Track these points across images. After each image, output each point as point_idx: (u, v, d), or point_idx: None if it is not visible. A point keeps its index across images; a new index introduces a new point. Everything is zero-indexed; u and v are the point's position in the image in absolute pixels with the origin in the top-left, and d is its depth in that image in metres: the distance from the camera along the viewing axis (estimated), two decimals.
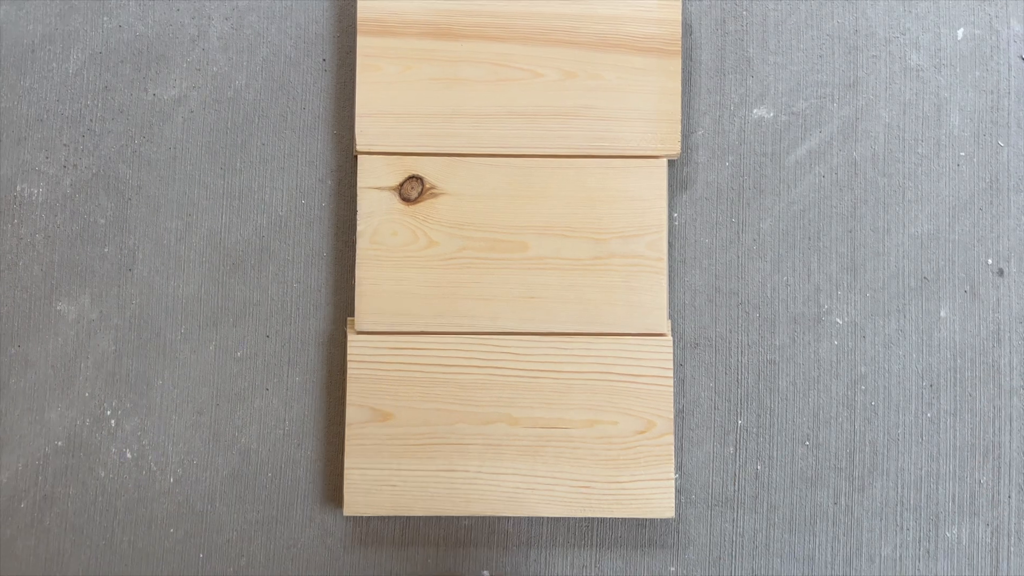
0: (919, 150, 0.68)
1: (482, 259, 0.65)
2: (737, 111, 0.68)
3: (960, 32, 0.68)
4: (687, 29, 0.68)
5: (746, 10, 0.69)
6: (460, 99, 0.65)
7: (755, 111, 0.68)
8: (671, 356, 0.64)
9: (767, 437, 0.66)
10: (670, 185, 0.67)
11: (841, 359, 0.67)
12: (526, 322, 0.64)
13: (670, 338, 0.64)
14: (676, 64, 0.65)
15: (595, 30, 0.66)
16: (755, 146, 0.68)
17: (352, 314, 0.66)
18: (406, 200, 0.65)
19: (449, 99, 0.65)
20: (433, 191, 0.65)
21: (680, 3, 0.66)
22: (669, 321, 0.65)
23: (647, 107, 0.65)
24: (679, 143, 0.65)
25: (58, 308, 0.67)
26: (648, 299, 0.64)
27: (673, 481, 0.63)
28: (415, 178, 0.65)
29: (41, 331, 0.67)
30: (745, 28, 0.69)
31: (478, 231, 0.65)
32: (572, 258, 0.64)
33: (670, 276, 0.67)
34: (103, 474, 0.66)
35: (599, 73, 0.65)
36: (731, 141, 0.68)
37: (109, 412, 0.66)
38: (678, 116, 0.65)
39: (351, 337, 0.64)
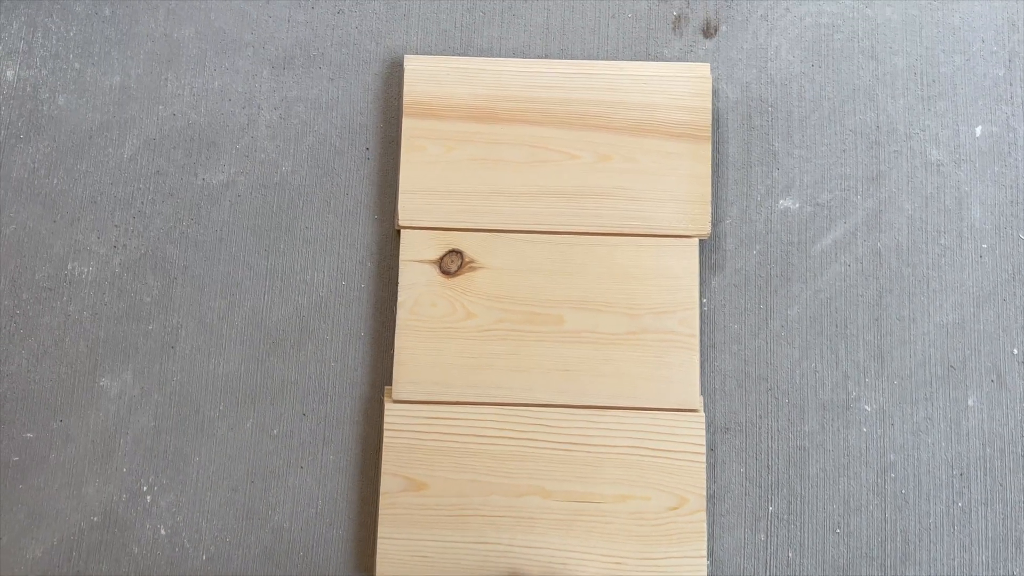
0: (942, 241, 0.70)
1: (519, 331, 0.67)
2: (764, 201, 0.71)
3: (978, 129, 0.71)
4: (715, 122, 0.71)
5: (771, 106, 0.72)
6: (499, 178, 0.69)
7: (781, 202, 0.71)
8: (703, 432, 0.65)
9: (798, 524, 0.66)
10: (700, 270, 0.69)
11: (870, 446, 0.67)
12: (560, 394, 0.66)
13: (702, 414, 0.65)
14: (706, 149, 0.69)
15: (629, 116, 0.69)
16: (782, 235, 0.70)
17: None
18: (446, 273, 0.67)
19: (489, 178, 0.69)
20: (472, 265, 0.67)
21: (711, 93, 0.69)
22: (701, 398, 0.66)
23: (679, 189, 0.68)
24: (709, 224, 0.67)
25: (101, 384, 0.69)
26: (680, 374, 0.66)
27: (705, 558, 0.63)
28: (455, 252, 0.68)
29: (83, 406, 0.68)
30: (771, 123, 0.72)
31: (516, 304, 0.67)
32: (607, 332, 0.66)
33: (701, 360, 0.68)
34: (136, 550, 0.66)
35: (633, 156, 0.69)
36: (758, 230, 0.70)
37: (145, 488, 0.67)
38: (708, 198, 0.68)
39: (387, 406, 0.65)
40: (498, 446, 0.65)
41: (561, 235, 0.68)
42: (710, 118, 0.69)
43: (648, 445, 0.65)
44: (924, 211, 0.70)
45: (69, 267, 0.70)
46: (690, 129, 0.69)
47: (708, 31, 0.73)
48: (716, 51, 0.73)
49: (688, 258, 0.67)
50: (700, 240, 0.68)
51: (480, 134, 0.69)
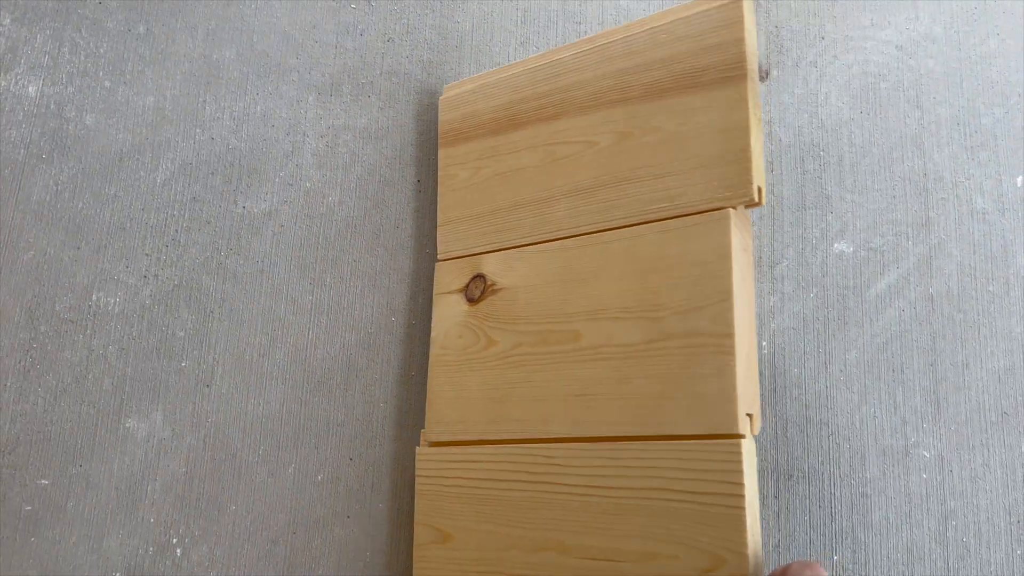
0: (990, 288, 0.71)
1: (534, 355, 0.59)
2: (819, 245, 0.70)
3: (1020, 179, 0.73)
4: (770, 164, 0.71)
5: (823, 150, 0.72)
6: (519, 189, 0.63)
7: (836, 245, 0.71)
8: (742, 467, 0.51)
9: (863, 574, 0.65)
10: (759, 313, 0.68)
11: (931, 493, 0.67)
12: (578, 425, 0.56)
13: (742, 443, 0.51)
14: (742, 90, 0.55)
15: (648, 78, 0.59)
16: (837, 279, 0.70)
17: None
18: (470, 300, 0.62)
19: (510, 192, 0.63)
20: (493, 288, 0.62)
21: (743, 20, 0.56)
22: (749, 418, 0.52)
23: (710, 151, 0.56)
24: (753, 185, 0.53)
25: (127, 425, 0.63)
26: (713, 389, 0.52)
27: None
28: (479, 277, 0.63)
29: (106, 449, 0.63)
30: (823, 167, 0.72)
31: (530, 324, 0.59)
32: (625, 344, 0.55)
33: (763, 406, 0.66)
34: None
35: (655, 126, 0.58)
36: (814, 273, 0.70)
37: (175, 540, 0.62)
38: (749, 153, 0.54)
39: (419, 450, 0.61)
40: (513, 492, 0.57)
41: (575, 238, 0.59)
42: (744, 52, 0.55)
43: (675, 486, 0.52)
44: (972, 258, 0.71)
45: (94, 298, 0.65)
46: (718, 71, 0.55)
47: (761, 75, 0.73)
48: (769, 95, 0.73)
49: (719, 235, 0.53)
50: (751, 210, 0.58)
51: (501, 146, 0.63)
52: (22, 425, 0.63)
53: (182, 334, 0.65)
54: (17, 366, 0.64)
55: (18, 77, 0.69)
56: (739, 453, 0.51)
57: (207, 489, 0.62)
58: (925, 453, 0.67)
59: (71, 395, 0.63)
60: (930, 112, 0.74)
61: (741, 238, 0.55)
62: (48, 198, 0.66)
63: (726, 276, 0.53)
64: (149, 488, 0.62)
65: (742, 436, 0.51)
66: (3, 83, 0.68)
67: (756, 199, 0.53)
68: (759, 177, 0.53)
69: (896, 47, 0.75)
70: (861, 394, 0.68)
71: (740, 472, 0.51)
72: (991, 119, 0.74)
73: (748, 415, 0.52)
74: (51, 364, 0.64)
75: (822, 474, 0.67)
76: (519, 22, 0.73)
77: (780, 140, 0.72)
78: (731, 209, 0.54)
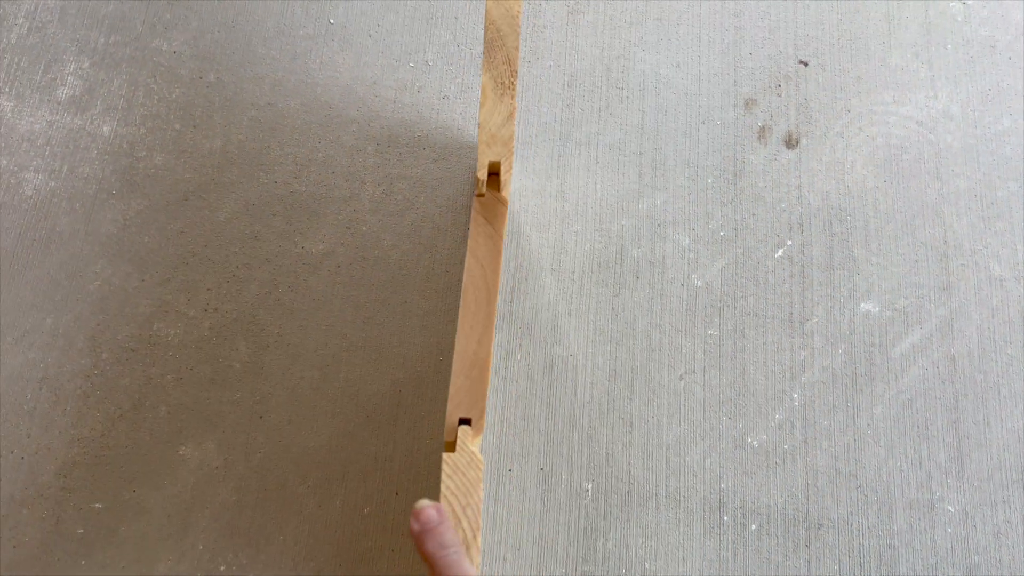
0: (1008, 351, 0.74)
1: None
2: (847, 304, 0.74)
3: None
4: (800, 226, 0.75)
5: (849, 215, 0.76)
6: None
7: (862, 305, 0.74)
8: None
9: None
10: (790, 366, 0.71)
11: (956, 547, 0.69)
12: None
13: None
14: None
15: None
16: (864, 336, 0.73)
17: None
18: None
19: None
20: None
21: None
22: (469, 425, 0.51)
23: None
24: None
25: (180, 453, 0.65)
26: None
27: None
28: None
29: (159, 476, 0.64)
30: (849, 230, 0.76)
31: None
32: None
33: (793, 455, 0.69)
34: None
35: None
36: (843, 331, 0.73)
37: (223, 567, 0.63)
38: None
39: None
40: None
41: None
42: None
43: None
44: (991, 321, 0.75)
45: (154, 328, 0.68)
46: None
47: (790, 143, 0.78)
48: (798, 161, 0.78)
49: None
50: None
51: None
52: (79, 449, 0.64)
53: (238, 366, 0.67)
54: (77, 391, 0.66)
55: (94, 117, 0.72)
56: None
57: (256, 518, 0.64)
58: (950, 508, 0.70)
59: (128, 421, 0.65)
60: (949, 183, 0.79)
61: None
62: (116, 231, 0.70)
63: None
64: (199, 515, 0.64)
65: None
66: (79, 122, 0.72)
67: None
68: None
69: (917, 122, 0.80)
70: (888, 448, 0.71)
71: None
72: (1006, 192, 0.79)
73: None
74: (110, 390, 0.66)
75: (851, 525, 0.69)
76: (566, 85, 0.78)
77: (809, 203, 0.76)
78: None
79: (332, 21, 0.78)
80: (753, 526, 0.68)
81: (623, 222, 0.74)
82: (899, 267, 0.76)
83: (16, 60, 0.73)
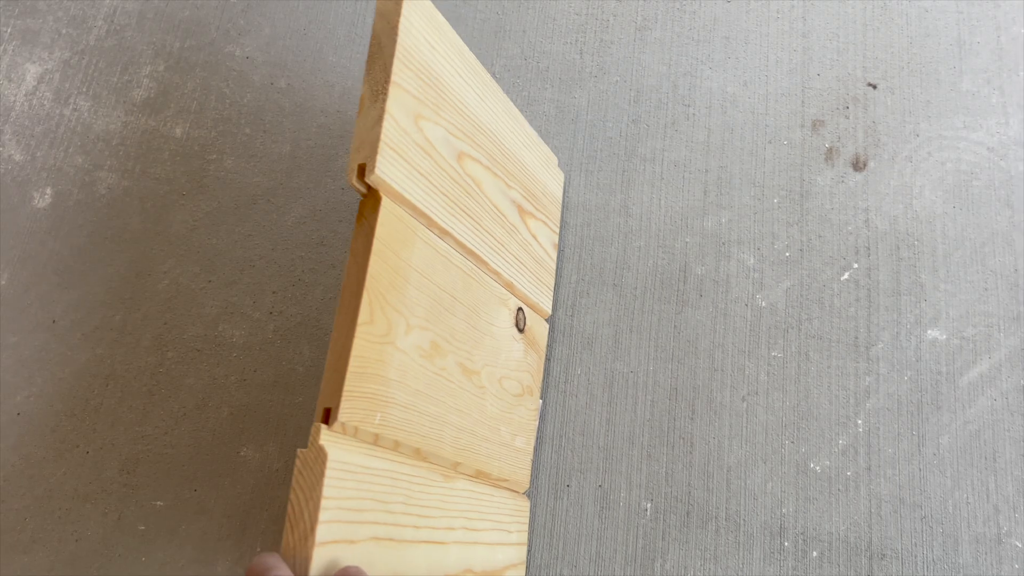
0: None
1: None
2: (913, 330, 0.73)
3: None
4: (867, 249, 0.74)
5: (917, 240, 0.75)
6: None
7: (929, 332, 0.73)
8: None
9: None
10: (854, 391, 0.70)
11: None
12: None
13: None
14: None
15: None
16: (931, 364, 0.72)
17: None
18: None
19: None
20: None
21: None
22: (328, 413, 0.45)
23: None
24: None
25: (242, 454, 0.65)
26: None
27: None
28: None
29: (220, 476, 0.64)
30: (917, 256, 0.75)
31: None
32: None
33: (856, 483, 0.68)
34: None
35: None
36: (909, 357, 0.72)
37: None
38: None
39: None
40: None
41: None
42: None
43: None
44: None
45: (220, 329, 0.68)
46: None
47: (858, 165, 0.77)
48: (865, 184, 0.77)
49: None
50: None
51: None
52: (143, 446, 0.65)
53: (301, 369, 0.67)
54: (143, 388, 0.66)
55: (167, 119, 0.74)
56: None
57: None
58: (1017, 543, 0.68)
59: (191, 420, 0.66)
60: (1020, 212, 0.77)
61: None
62: (185, 232, 0.70)
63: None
64: (258, 517, 0.64)
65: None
66: (153, 123, 0.73)
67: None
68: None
69: (988, 148, 0.79)
70: (954, 479, 0.69)
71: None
72: None
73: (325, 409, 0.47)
74: (175, 389, 0.66)
75: (915, 556, 0.67)
76: (632, 101, 0.78)
77: (876, 227, 0.75)
78: None
79: None
80: (814, 553, 0.66)
81: (687, 239, 0.74)
82: (968, 295, 0.74)
83: (94, 61, 0.74)
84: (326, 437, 0.43)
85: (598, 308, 0.72)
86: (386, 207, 0.49)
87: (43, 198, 0.69)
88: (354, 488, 0.44)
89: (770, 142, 0.77)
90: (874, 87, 0.80)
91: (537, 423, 0.66)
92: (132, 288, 0.69)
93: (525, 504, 0.64)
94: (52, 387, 0.65)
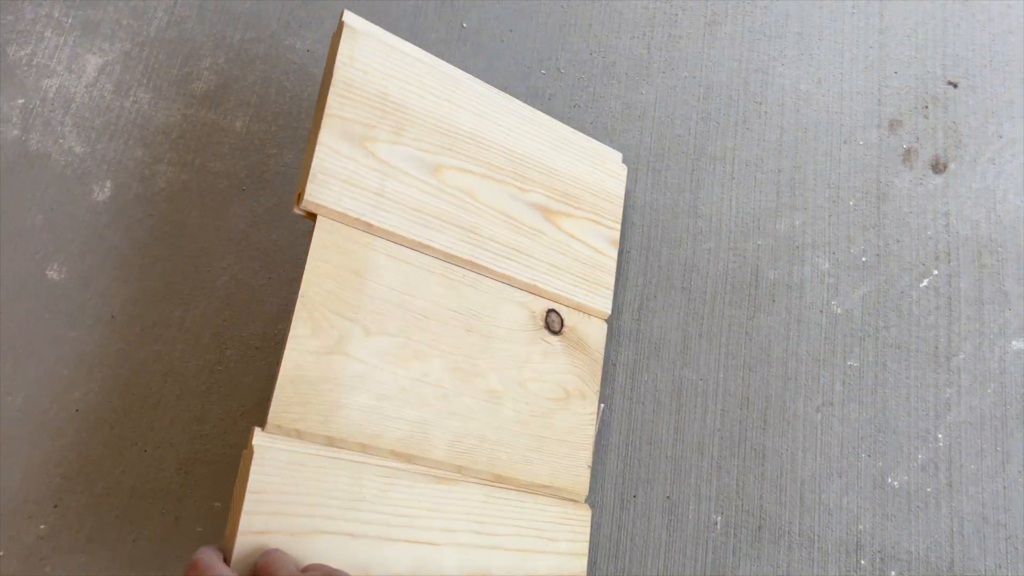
0: None
1: None
2: (996, 341, 0.69)
3: None
4: (947, 256, 0.71)
5: (1000, 246, 0.72)
6: None
7: (1014, 343, 0.69)
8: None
9: None
10: (934, 404, 0.67)
11: None
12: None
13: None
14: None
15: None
16: (1016, 377, 0.68)
17: None
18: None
19: None
20: None
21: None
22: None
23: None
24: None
25: None
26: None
27: None
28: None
29: None
30: (1001, 263, 0.71)
31: None
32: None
33: (937, 499, 0.65)
34: None
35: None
36: (992, 369, 0.69)
37: None
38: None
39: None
40: None
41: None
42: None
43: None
44: None
45: (279, 327, 0.67)
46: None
47: (938, 167, 0.74)
48: (945, 187, 0.73)
49: None
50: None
51: None
52: (200, 445, 0.64)
53: None
54: (201, 386, 0.65)
55: (227, 112, 0.72)
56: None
57: None
58: None
59: (249, 420, 0.64)
60: None
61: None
62: (244, 227, 0.69)
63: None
64: None
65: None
66: (213, 116, 0.72)
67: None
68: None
69: None
70: None
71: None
72: None
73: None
74: (233, 388, 0.65)
75: None
76: (701, 98, 0.76)
77: (957, 232, 0.72)
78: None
79: (465, 25, 0.77)
80: (893, 573, 0.63)
81: (759, 242, 0.71)
82: None
83: (155, 53, 0.73)
84: (259, 439, 0.47)
85: (666, 312, 0.69)
86: (322, 226, 0.52)
87: (103, 191, 0.68)
88: (290, 483, 0.47)
89: (845, 142, 0.74)
90: (955, 86, 0.77)
91: (595, 428, 0.64)
92: (191, 284, 0.67)
93: (580, 512, 0.62)
94: (111, 383, 0.64)
